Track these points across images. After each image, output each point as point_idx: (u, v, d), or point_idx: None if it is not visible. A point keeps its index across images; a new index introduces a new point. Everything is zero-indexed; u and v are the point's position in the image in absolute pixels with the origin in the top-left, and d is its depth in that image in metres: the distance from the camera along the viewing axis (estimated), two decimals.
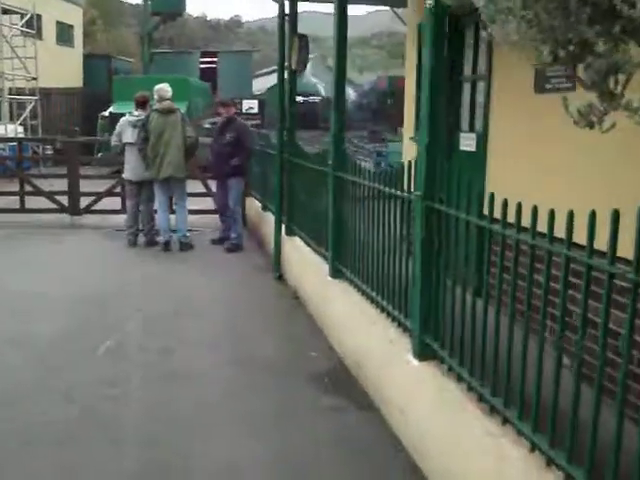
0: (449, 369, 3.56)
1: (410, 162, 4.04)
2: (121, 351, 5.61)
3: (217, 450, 4.03)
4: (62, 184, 11.59)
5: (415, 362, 3.89)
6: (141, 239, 9.74)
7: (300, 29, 7.82)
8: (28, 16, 22.72)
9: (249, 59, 34.23)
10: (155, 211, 9.63)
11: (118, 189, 11.15)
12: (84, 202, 11.44)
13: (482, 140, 5.84)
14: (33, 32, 22.74)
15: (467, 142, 6.21)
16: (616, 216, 2.23)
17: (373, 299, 4.88)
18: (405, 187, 4.18)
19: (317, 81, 29.36)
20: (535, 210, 2.66)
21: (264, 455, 3.99)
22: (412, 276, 3.97)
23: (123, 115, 9.97)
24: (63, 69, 27.47)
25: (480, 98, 6.06)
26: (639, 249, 2.10)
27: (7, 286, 7.51)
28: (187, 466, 3.84)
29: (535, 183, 4.75)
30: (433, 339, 3.77)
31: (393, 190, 4.40)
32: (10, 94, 21.33)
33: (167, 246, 9.39)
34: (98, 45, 41.35)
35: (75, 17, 32.10)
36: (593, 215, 2.32)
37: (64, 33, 30.31)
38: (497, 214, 3.04)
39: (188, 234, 9.64)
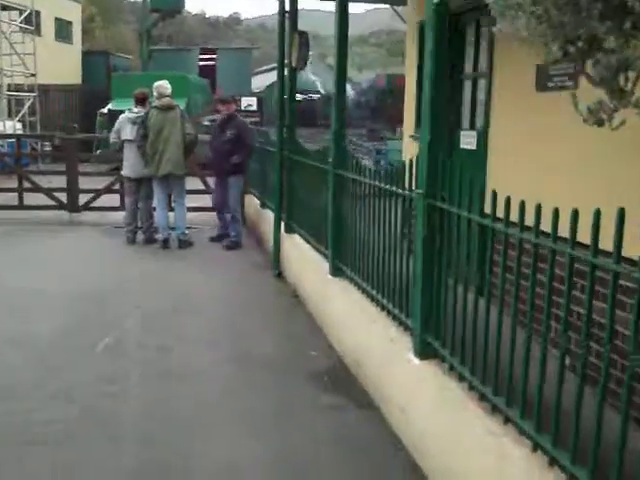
0: (450, 368, 3.55)
1: (412, 160, 4.02)
2: (120, 348, 5.59)
3: (216, 449, 4.01)
4: (61, 181, 11.57)
5: (416, 361, 3.87)
6: (140, 236, 9.71)
7: (299, 27, 7.79)
8: (27, 12, 22.69)
9: (248, 56, 34.24)
10: (154, 208, 9.60)
11: (117, 186, 11.13)
12: (83, 199, 11.42)
13: (483, 138, 5.82)
14: (32, 28, 22.72)
15: (467, 140, 6.19)
16: (622, 214, 2.21)
17: (373, 297, 4.87)
18: (406, 185, 4.16)
19: (316, 79, 29.35)
20: (539, 208, 2.64)
21: (263, 454, 3.97)
22: (413, 274, 3.95)
23: (122, 112, 9.93)
24: (62, 66, 27.42)
25: (481, 96, 6.04)
26: None
27: (5, 283, 7.49)
28: (186, 465, 3.82)
29: (536, 181, 4.73)
30: (434, 338, 3.75)
31: (394, 188, 4.38)
32: (9, 90, 21.31)
33: (166, 243, 9.37)
34: (97, 42, 41.27)
35: (74, 14, 32.06)
36: (598, 214, 2.30)
37: (63, 29, 30.26)
38: (498, 212, 3.03)
39: (187, 231, 9.61)
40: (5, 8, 21.82)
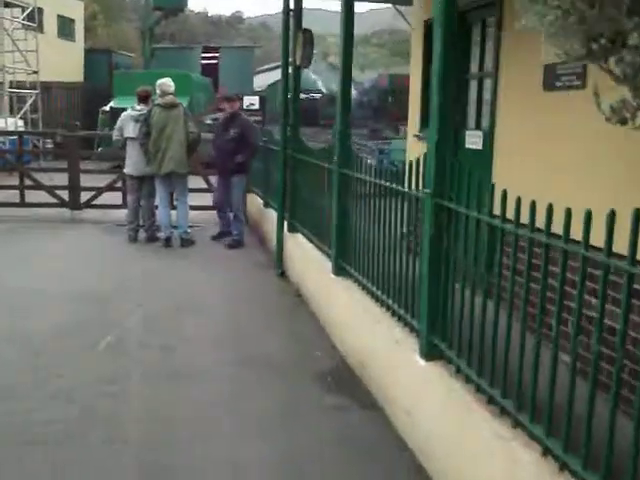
0: (457, 370, 3.50)
1: (418, 159, 3.98)
2: (121, 348, 5.55)
3: (220, 449, 3.97)
4: (62, 178, 11.53)
5: (422, 362, 3.83)
6: (142, 235, 9.67)
7: None
8: (29, 9, 22.64)
9: (251, 55, 34.22)
10: (156, 206, 9.56)
11: (119, 184, 11.09)
12: (84, 197, 11.38)
13: (489, 138, 5.78)
14: (34, 25, 22.66)
15: (473, 140, 6.15)
16: (637, 215, 2.17)
17: (378, 298, 4.82)
18: (413, 184, 4.12)
19: (318, 78, 29.31)
20: (550, 209, 2.60)
21: (268, 454, 3.93)
22: (420, 275, 3.91)
23: (124, 110, 9.90)
24: (64, 63, 27.38)
25: (487, 95, 6.01)
26: None
27: (6, 281, 7.45)
28: (189, 465, 3.79)
29: (543, 182, 4.69)
30: (440, 339, 3.71)
31: (401, 187, 4.34)
32: (11, 87, 21.27)
33: (168, 242, 9.33)
34: (99, 40, 41.26)
35: (76, 11, 32.02)
36: (612, 215, 2.26)
37: (65, 27, 30.22)
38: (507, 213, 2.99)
39: (189, 230, 9.57)
40: (8, 5, 21.78)
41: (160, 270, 8.20)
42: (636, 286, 2.28)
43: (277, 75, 26.77)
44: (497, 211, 3.09)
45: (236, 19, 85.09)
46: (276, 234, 8.09)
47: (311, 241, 7.05)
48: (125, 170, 9.71)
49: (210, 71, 30.47)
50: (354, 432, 4.21)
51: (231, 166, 9.28)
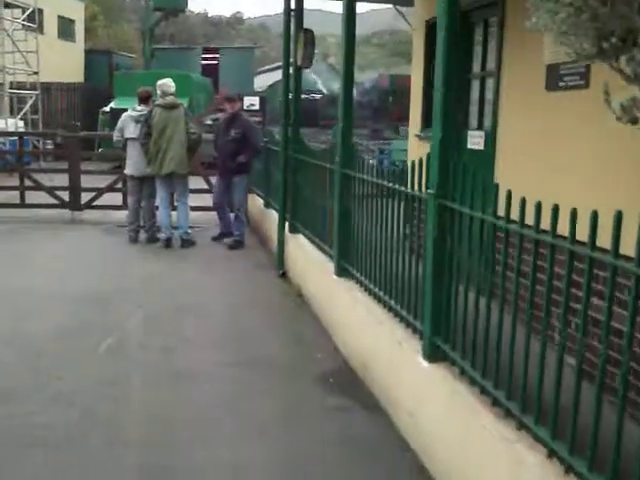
0: (461, 372, 3.48)
1: (421, 159, 3.96)
2: (122, 349, 5.52)
3: (221, 451, 3.95)
4: (63, 179, 11.52)
5: (425, 364, 3.81)
6: (142, 235, 9.65)
7: None
8: (30, 10, 22.61)
9: (251, 56, 34.25)
10: (156, 207, 9.54)
11: (119, 185, 11.07)
12: (85, 197, 11.36)
13: (491, 138, 5.76)
14: (35, 26, 22.64)
15: (475, 140, 6.13)
16: None
17: (380, 299, 4.80)
18: (416, 185, 4.09)
19: (317, 79, 29.33)
20: (556, 209, 2.58)
21: (270, 455, 3.91)
22: (423, 276, 3.89)
23: (124, 111, 9.88)
24: (64, 64, 27.39)
25: (489, 95, 5.99)
26: None
27: (6, 282, 7.43)
28: (191, 467, 3.76)
29: (546, 182, 4.68)
30: (444, 341, 3.68)
31: (404, 188, 4.31)
32: (11, 88, 21.25)
33: (168, 243, 9.31)
34: (99, 40, 41.32)
35: (77, 12, 32.05)
36: (620, 215, 2.23)
37: (66, 28, 30.24)
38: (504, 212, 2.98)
39: (190, 231, 9.54)
40: (8, 6, 21.75)
41: (161, 271, 8.18)
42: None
43: (277, 76, 26.85)
44: (500, 212, 3.08)
45: (236, 20, 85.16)
46: (277, 235, 8.07)
47: (312, 242, 7.02)
48: (126, 171, 9.69)
49: (210, 72, 30.49)
50: (356, 433, 4.19)
51: (232, 167, 9.26)
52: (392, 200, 4.59)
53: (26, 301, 6.74)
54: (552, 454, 2.64)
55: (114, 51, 32.80)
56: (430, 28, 6.94)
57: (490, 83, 5.96)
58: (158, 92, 9.22)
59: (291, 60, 7.83)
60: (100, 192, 11.34)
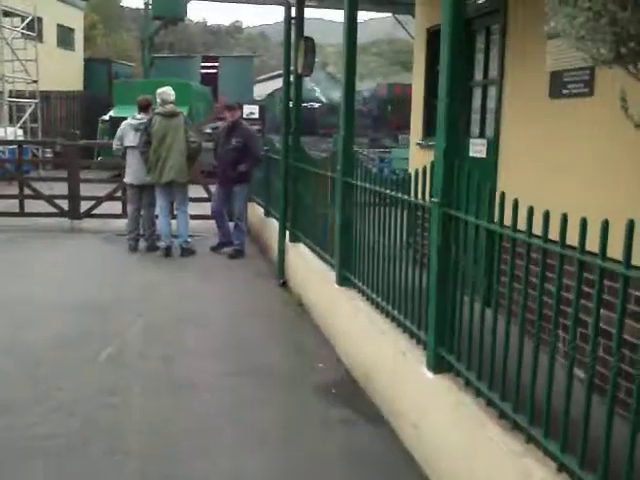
0: (466, 383, 3.43)
1: (425, 167, 3.92)
2: (122, 359, 5.47)
3: (222, 461, 3.90)
4: (62, 188, 11.48)
5: (429, 375, 3.76)
6: (142, 244, 9.61)
7: None
8: (29, 19, 22.64)
9: (250, 64, 34.29)
10: (156, 216, 9.50)
11: (119, 193, 11.04)
12: (84, 206, 11.33)
13: (493, 146, 5.73)
14: (34, 35, 22.66)
15: (477, 148, 6.10)
16: None
17: (383, 308, 4.75)
18: (420, 193, 4.06)
19: (316, 87, 29.37)
20: (565, 219, 2.54)
21: (272, 468, 3.86)
22: (427, 285, 3.84)
23: (123, 119, 9.86)
24: (64, 72, 27.41)
25: (491, 103, 5.96)
26: None
27: (6, 291, 7.37)
28: (191, 477, 3.73)
29: (550, 190, 4.64)
30: (449, 351, 3.64)
31: (407, 196, 4.28)
32: (10, 97, 21.25)
33: (168, 251, 9.26)
34: (98, 49, 41.42)
35: (76, 21, 32.09)
36: (631, 224, 2.19)
37: (65, 36, 30.28)
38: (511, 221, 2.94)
39: (189, 239, 9.51)
40: (7, 14, 21.78)
41: (160, 280, 8.13)
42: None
43: (276, 84, 26.88)
44: (500, 219, 3.04)
45: (235, 29, 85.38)
46: (278, 244, 8.02)
47: (313, 251, 6.98)
48: (125, 179, 9.66)
49: (209, 80, 30.53)
50: (360, 446, 4.13)
51: (233, 175, 9.22)
52: (395, 208, 4.55)
53: (25, 310, 6.69)
54: (562, 468, 2.58)
55: (113, 60, 32.84)
56: (431, 36, 6.92)
57: (492, 91, 5.93)
58: (158, 100, 9.20)
59: (291, 68, 7.81)
60: (99, 201, 11.31)
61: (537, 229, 2.76)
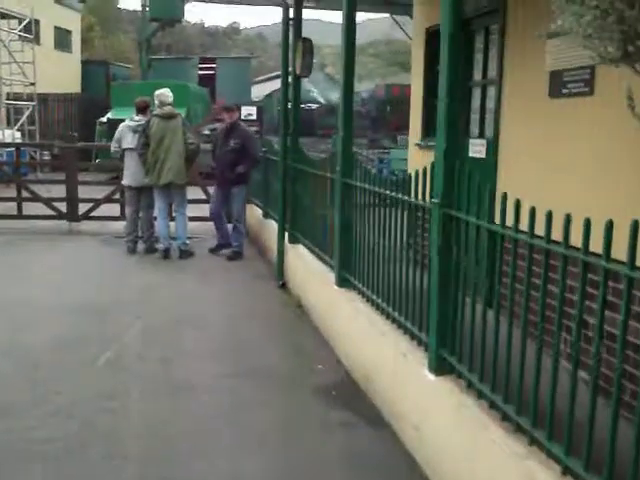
0: (468, 385, 3.41)
1: (425, 168, 3.90)
2: (121, 362, 5.44)
3: (221, 463, 3.87)
4: (60, 190, 11.45)
5: (431, 377, 3.73)
6: (140, 246, 9.59)
7: None
8: (26, 21, 22.62)
9: (248, 65, 34.26)
10: (155, 218, 9.47)
11: (117, 195, 11.01)
12: (82, 208, 11.30)
13: (493, 146, 5.71)
14: (31, 37, 22.66)
15: (476, 148, 6.08)
16: None
17: (383, 310, 4.73)
18: (420, 194, 4.03)
19: (314, 89, 29.33)
20: (568, 219, 2.51)
21: (271, 471, 3.83)
22: (428, 287, 3.82)
23: (121, 121, 9.84)
24: (61, 74, 27.39)
25: (490, 103, 5.94)
26: None
27: (4, 293, 7.35)
28: (190, 479, 3.70)
29: (549, 189, 4.62)
30: (450, 353, 3.61)
31: (407, 197, 4.25)
32: (8, 99, 21.23)
33: (167, 253, 9.23)
34: (96, 51, 41.37)
35: (73, 23, 32.09)
36: (636, 224, 2.17)
37: (62, 38, 30.27)
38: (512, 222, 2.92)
39: (188, 241, 9.48)
40: (4, 16, 21.76)
41: (159, 282, 8.10)
42: None
43: (274, 85, 26.84)
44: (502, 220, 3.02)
45: (232, 30, 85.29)
46: (277, 245, 8.00)
47: (313, 252, 6.96)
48: (123, 181, 9.63)
49: (207, 82, 30.47)
50: (361, 449, 4.11)
51: (231, 177, 9.19)
52: (395, 209, 4.53)
53: (23, 312, 6.66)
54: (567, 471, 2.56)
55: (111, 62, 32.80)
56: (430, 36, 6.90)
57: (491, 91, 5.91)
58: (156, 102, 9.17)
59: (289, 69, 7.79)
60: (98, 203, 11.29)
61: (538, 229, 2.74)
